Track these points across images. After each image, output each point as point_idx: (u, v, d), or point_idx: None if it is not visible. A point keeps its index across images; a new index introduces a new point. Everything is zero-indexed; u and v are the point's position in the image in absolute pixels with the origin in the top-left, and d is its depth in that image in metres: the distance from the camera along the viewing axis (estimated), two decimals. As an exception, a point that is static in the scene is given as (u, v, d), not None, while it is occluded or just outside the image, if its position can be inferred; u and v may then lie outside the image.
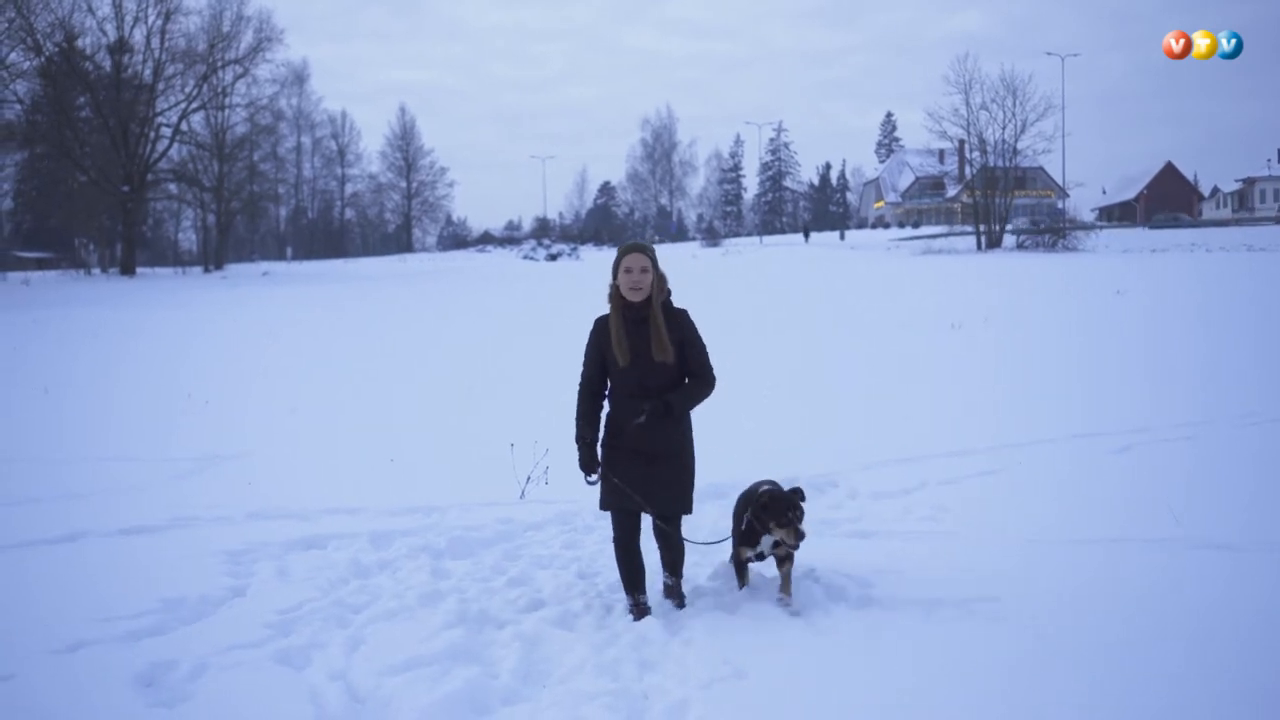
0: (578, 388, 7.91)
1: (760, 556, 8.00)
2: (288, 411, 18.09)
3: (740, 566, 8.14)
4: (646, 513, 7.81)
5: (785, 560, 7.94)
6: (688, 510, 7.97)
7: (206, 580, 8.56)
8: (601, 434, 7.89)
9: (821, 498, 11.31)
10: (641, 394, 7.68)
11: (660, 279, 7.82)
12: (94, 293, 53.73)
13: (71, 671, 6.66)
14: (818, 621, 7.47)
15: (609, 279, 7.86)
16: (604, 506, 7.91)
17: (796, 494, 7.87)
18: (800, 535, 7.68)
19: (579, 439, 7.79)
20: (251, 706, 6.15)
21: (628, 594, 7.87)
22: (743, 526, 7.92)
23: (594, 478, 7.79)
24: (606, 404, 7.96)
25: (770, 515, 7.71)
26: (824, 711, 5.93)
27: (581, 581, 8.51)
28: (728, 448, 13.70)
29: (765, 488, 7.89)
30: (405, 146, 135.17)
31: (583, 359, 7.92)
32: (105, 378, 23.58)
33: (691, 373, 7.86)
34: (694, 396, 7.85)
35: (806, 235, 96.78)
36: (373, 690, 6.37)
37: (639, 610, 7.73)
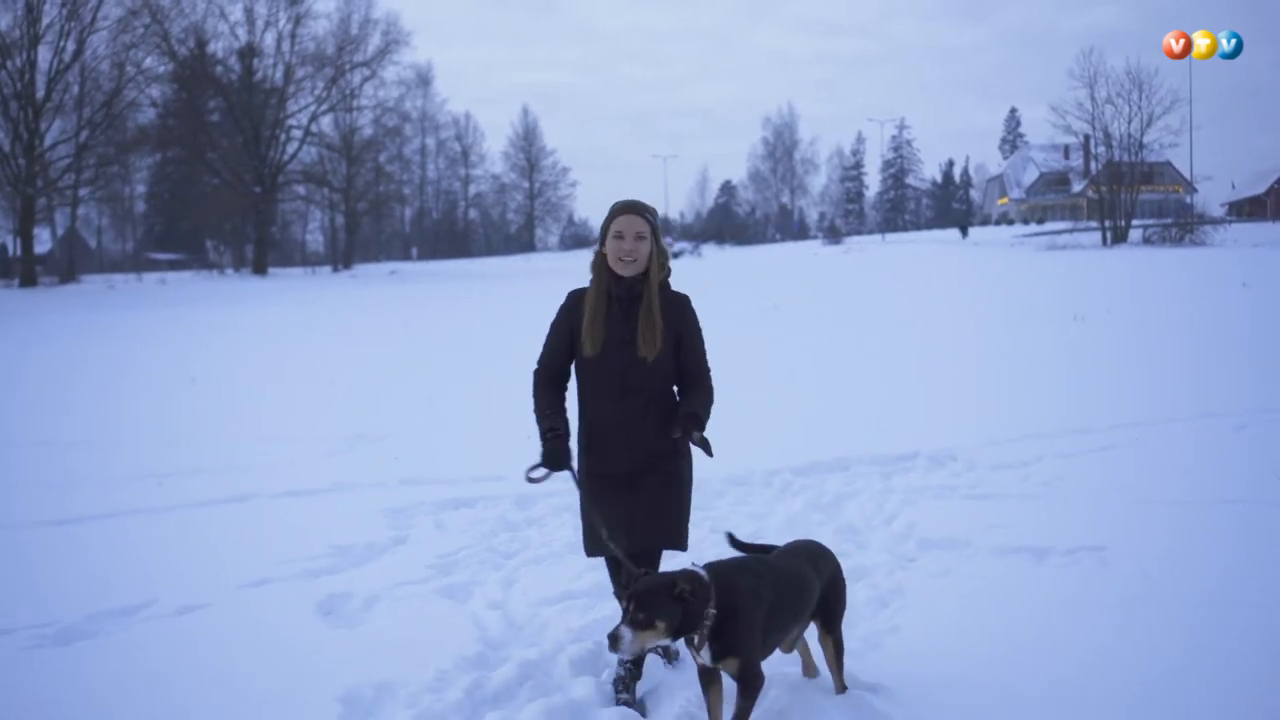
0: (533, 374, 6.23)
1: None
2: (427, 399, 18.75)
3: None
4: (621, 553, 5.76)
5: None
6: (681, 545, 6.20)
7: (371, 531, 9.42)
8: (577, 454, 6.20)
9: (941, 470, 11.76)
10: (621, 395, 6.01)
11: (662, 253, 6.10)
12: (232, 291, 55.26)
13: (259, 601, 7.57)
14: (929, 566, 8.13)
15: (597, 247, 6.17)
16: (589, 553, 6.27)
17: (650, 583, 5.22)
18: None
19: (547, 432, 6.00)
20: (421, 629, 6.89)
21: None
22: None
23: (543, 472, 5.98)
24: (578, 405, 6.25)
25: None
26: (939, 646, 6.52)
27: (713, 535, 9.06)
28: (851, 424, 14.31)
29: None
30: (528, 147, 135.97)
31: (546, 337, 6.24)
32: (251, 367, 24.56)
33: (690, 377, 6.14)
34: (707, 409, 6.06)
35: (964, 232, 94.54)
36: (529, 618, 7.10)
37: None
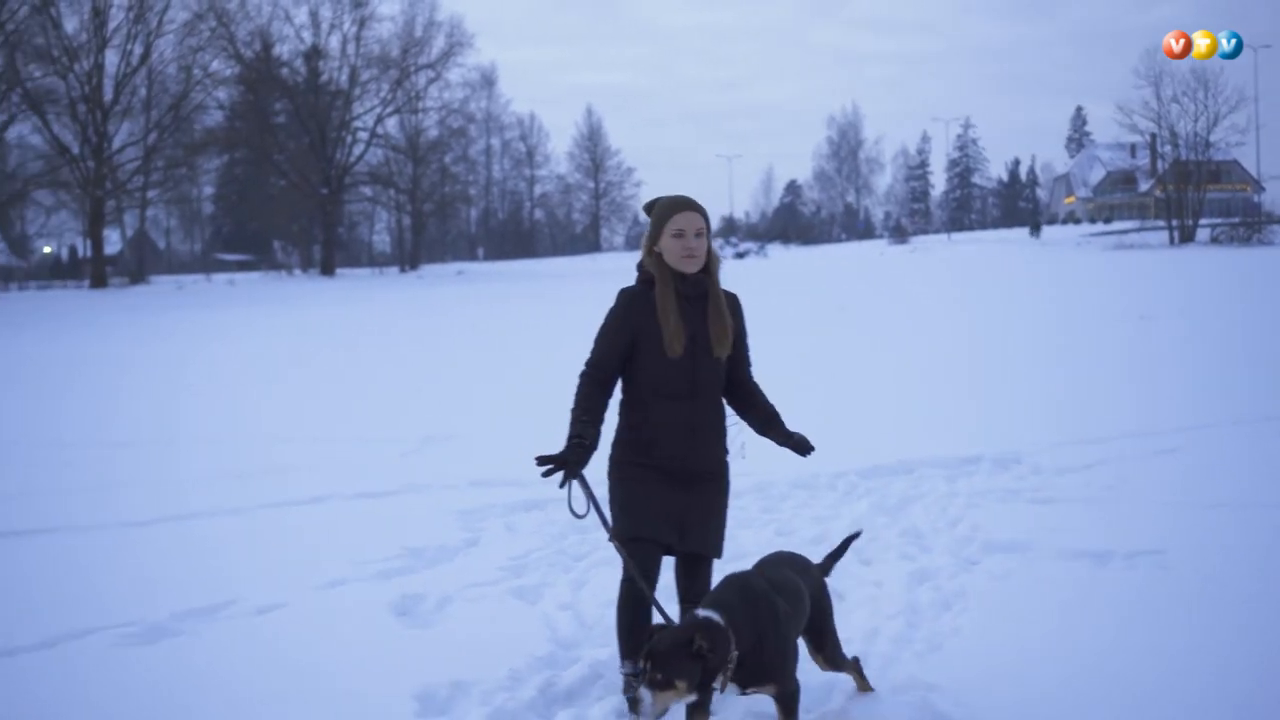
0: (580, 375, 5.93)
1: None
2: (494, 399, 18.89)
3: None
4: (676, 549, 5.94)
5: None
6: (720, 553, 6.08)
7: (443, 533, 9.61)
8: (617, 450, 6.03)
9: (1005, 473, 11.79)
10: (690, 395, 5.85)
11: (714, 251, 6.00)
12: (301, 292, 55.87)
13: (335, 602, 7.80)
14: (992, 569, 8.23)
15: (645, 245, 5.98)
16: (628, 534, 5.83)
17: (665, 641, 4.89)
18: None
19: (576, 438, 5.76)
20: (494, 629, 7.09)
21: (625, 659, 5.82)
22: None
23: (553, 474, 5.78)
24: (624, 407, 6.06)
25: None
26: (1000, 648, 6.64)
27: (779, 538, 9.14)
28: (915, 426, 14.39)
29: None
30: (592, 147, 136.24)
31: (596, 339, 5.95)
32: (322, 368, 24.83)
33: (742, 377, 6.13)
34: None
35: (1036, 230, 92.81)
36: (598, 619, 7.26)
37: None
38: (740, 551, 8.35)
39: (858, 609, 7.40)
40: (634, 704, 4.84)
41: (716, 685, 4.97)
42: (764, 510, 10.35)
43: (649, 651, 4.85)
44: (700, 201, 5.91)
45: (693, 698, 4.92)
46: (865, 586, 7.80)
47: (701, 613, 5.00)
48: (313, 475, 12.52)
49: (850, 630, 6.91)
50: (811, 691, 5.80)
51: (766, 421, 6.01)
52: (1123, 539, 8.66)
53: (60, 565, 9.07)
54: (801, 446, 5.94)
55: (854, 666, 5.86)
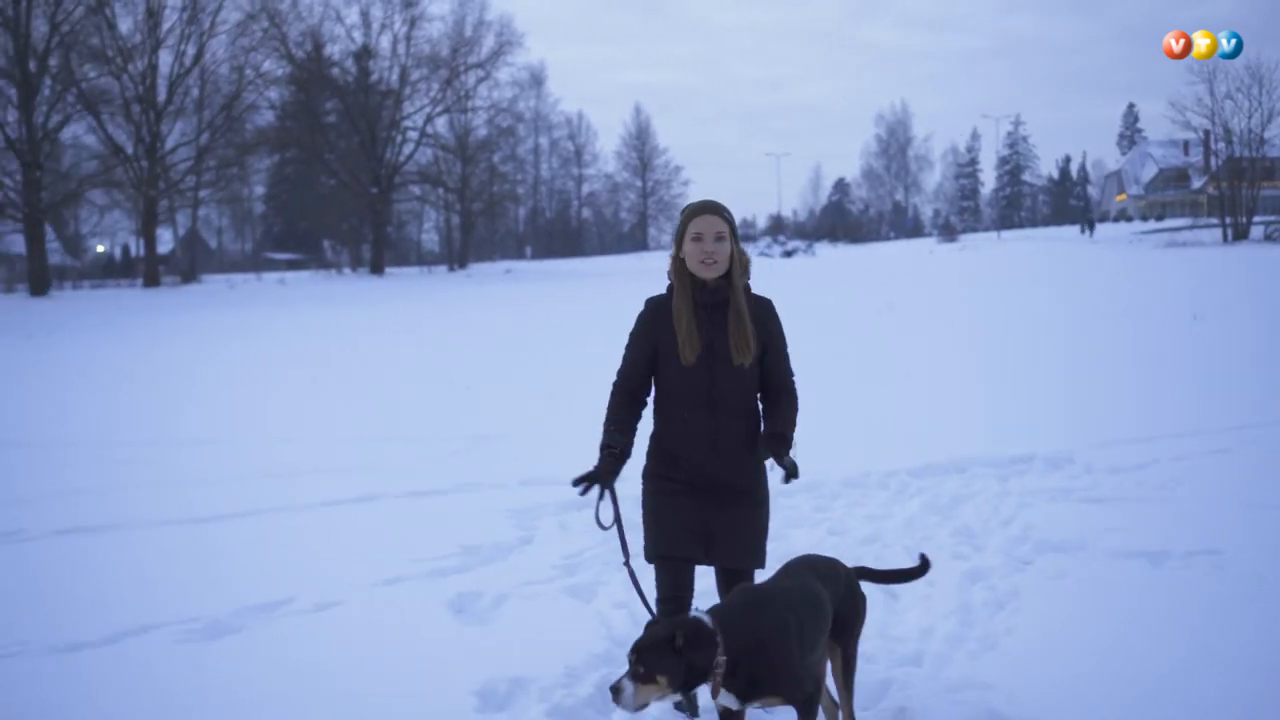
0: (612, 386, 5.94)
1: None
2: (544, 397, 18.94)
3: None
4: (703, 563, 5.83)
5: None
6: (760, 563, 5.91)
7: (497, 531, 9.70)
8: (648, 462, 5.92)
9: (1057, 472, 11.76)
10: (709, 406, 5.71)
11: (742, 255, 5.81)
12: (352, 290, 56.11)
13: (393, 598, 7.89)
14: (1046, 569, 8.24)
15: (671, 253, 5.88)
16: (652, 555, 5.84)
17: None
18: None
19: (606, 448, 5.77)
20: (550, 627, 7.15)
21: None
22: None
23: (590, 491, 5.75)
24: (653, 417, 5.96)
25: None
26: (1056, 647, 6.65)
27: (832, 537, 9.18)
28: (967, 425, 14.36)
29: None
30: (640, 146, 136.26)
31: (624, 350, 5.95)
32: (371, 367, 24.97)
33: (776, 386, 5.85)
34: (794, 426, 5.80)
35: (1090, 228, 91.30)
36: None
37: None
38: (792, 552, 8.37)
39: (911, 609, 7.43)
40: (616, 693, 4.77)
41: (706, 687, 4.89)
42: (816, 509, 10.35)
43: (636, 644, 4.86)
44: (730, 204, 5.84)
45: (676, 696, 4.93)
46: (918, 586, 7.73)
47: (693, 614, 4.99)
48: (364, 474, 12.66)
49: (904, 629, 6.99)
50: (868, 689, 5.87)
51: (769, 436, 5.68)
52: (1178, 539, 8.67)
53: (123, 561, 9.22)
54: (790, 471, 5.53)
55: (848, 699, 5.55)
